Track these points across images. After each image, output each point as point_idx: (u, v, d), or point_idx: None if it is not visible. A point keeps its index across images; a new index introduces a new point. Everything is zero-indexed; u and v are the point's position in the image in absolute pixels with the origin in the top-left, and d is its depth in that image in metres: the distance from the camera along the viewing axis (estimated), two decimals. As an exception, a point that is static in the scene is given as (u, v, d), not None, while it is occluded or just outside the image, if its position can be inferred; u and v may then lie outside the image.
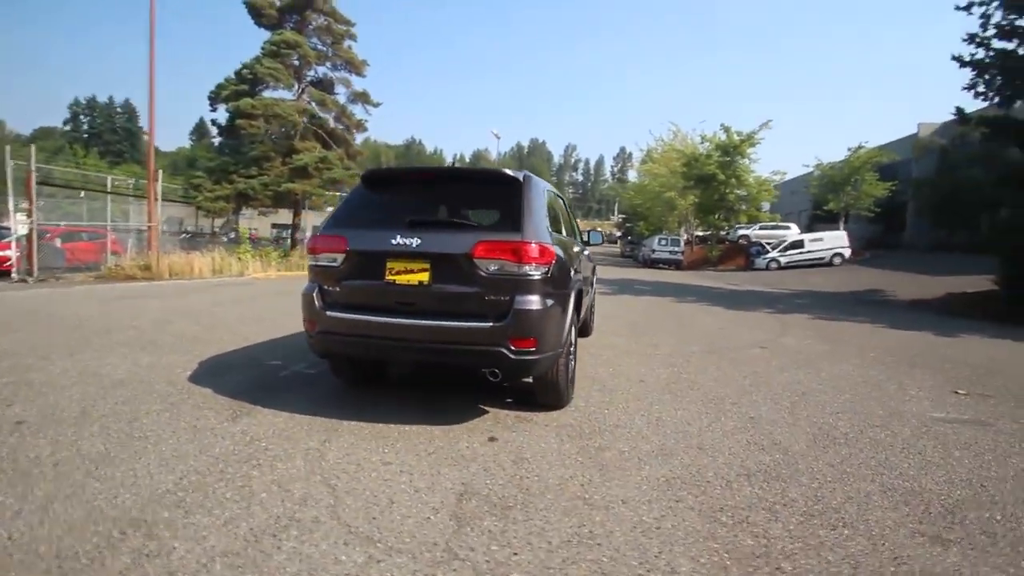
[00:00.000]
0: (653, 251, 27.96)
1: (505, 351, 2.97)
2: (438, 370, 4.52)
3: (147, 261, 12.75)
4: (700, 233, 34.18)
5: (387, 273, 3.13)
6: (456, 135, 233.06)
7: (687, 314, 9.91)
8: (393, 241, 3.09)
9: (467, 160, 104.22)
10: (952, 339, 7.94)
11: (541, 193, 3.48)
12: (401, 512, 2.25)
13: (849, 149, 30.00)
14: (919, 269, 20.49)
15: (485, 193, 3.39)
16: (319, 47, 19.28)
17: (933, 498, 2.57)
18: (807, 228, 33.38)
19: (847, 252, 25.69)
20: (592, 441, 3.14)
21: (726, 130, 27.27)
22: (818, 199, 32.56)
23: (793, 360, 5.80)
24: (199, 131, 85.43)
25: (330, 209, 22.03)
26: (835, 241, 26.15)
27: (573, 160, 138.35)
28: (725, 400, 4.11)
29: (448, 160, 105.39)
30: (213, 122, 19.64)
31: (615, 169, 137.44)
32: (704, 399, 4.11)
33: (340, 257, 3.23)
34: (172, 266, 12.78)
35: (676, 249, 27.74)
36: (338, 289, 3.26)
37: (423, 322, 3.05)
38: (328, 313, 3.22)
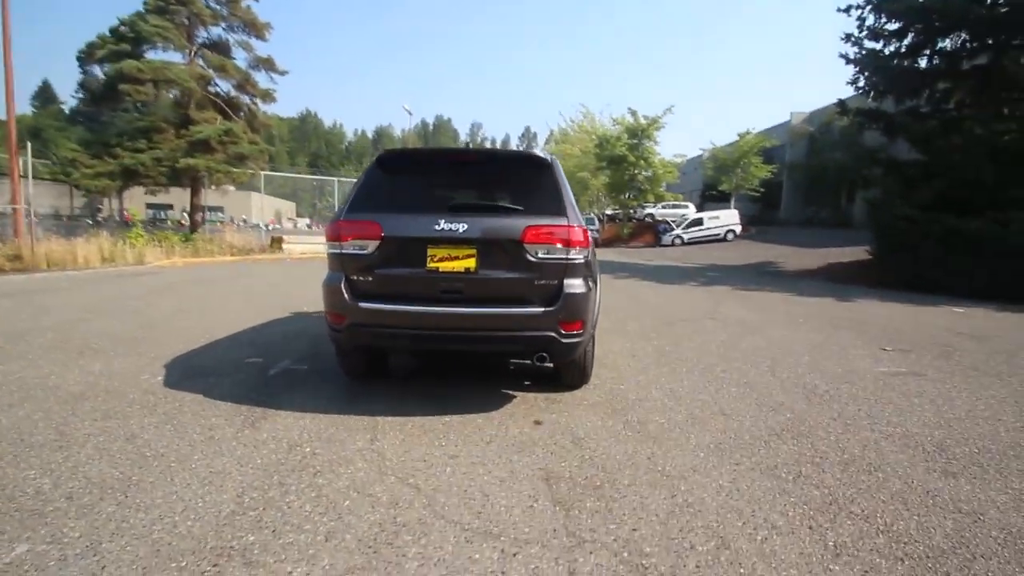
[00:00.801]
0: (571, 230, 29.02)
1: (556, 335, 2.98)
2: (442, 358, 4.41)
3: (16, 250, 10.74)
4: (609, 212, 35.94)
5: (429, 260, 2.97)
6: (356, 110, 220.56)
7: (631, 289, 10.50)
8: (436, 226, 2.93)
9: (369, 136, 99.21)
10: (852, 303, 9.25)
11: (564, 175, 3.47)
12: (502, 503, 2.21)
13: (738, 135, 33.13)
14: (797, 243, 23.28)
15: (516, 176, 3.29)
16: (213, 5, 17.07)
17: (922, 439, 3.05)
18: (699, 207, 36.48)
19: (738, 229, 28.53)
20: (628, 416, 3.28)
21: (633, 113, 28.76)
22: (711, 180, 35.71)
23: (743, 328, 6.41)
24: (43, 96, 72.37)
25: (232, 189, 19.99)
26: (729, 219, 28.89)
27: (479, 139, 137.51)
28: (715, 368, 4.47)
29: (349, 136, 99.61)
30: (82, 85, 16.73)
31: (521, 148, 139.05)
32: (697, 369, 4.44)
33: (373, 244, 3.00)
34: (50, 255, 10.89)
35: (593, 228, 28.90)
36: (371, 279, 3.03)
37: (471, 310, 2.95)
38: (361, 305, 2.99)
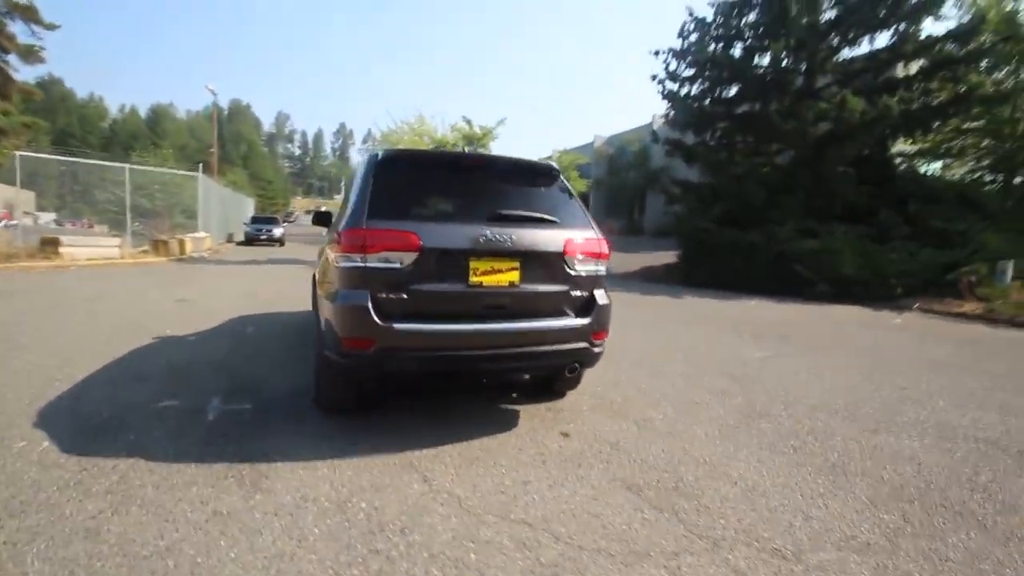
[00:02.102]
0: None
1: (588, 345, 3.03)
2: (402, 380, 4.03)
3: None
4: None
5: (472, 274, 2.73)
6: (123, 82, 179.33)
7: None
8: (482, 237, 2.72)
9: (142, 115, 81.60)
10: (684, 300, 11.14)
11: None
12: (616, 521, 2.21)
13: (555, 151, 36.64)
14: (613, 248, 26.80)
15: (529, 185, 3.19)
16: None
17: (868, 411, 3.86)
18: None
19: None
20: (631, 417, 3.51)
21: (468, 122, 29.56)
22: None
23: (652, 324, 7.30)
24: None
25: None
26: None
27: (287, 131, 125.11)
28: (644, 363, 5.00)
29: (113, 112, 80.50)
30: None
31: (336, 146, 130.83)
32: (630, 365, 4.92)
33: (409, 257, 2.63)
34: None
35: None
36: (405, 296, 2.65)
37: (517, 325, 2.81)
38: (396, 327, 2.59)
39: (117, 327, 5.49)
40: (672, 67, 16.94)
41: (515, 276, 2.83)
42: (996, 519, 2.39)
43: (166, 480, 2.36)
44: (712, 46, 16.45)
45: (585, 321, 3.00)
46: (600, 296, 3.12)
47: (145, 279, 9.93)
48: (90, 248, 12.43)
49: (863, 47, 14.13)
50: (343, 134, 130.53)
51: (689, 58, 16.52)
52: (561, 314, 2.99)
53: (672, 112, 16.55)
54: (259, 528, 2.03)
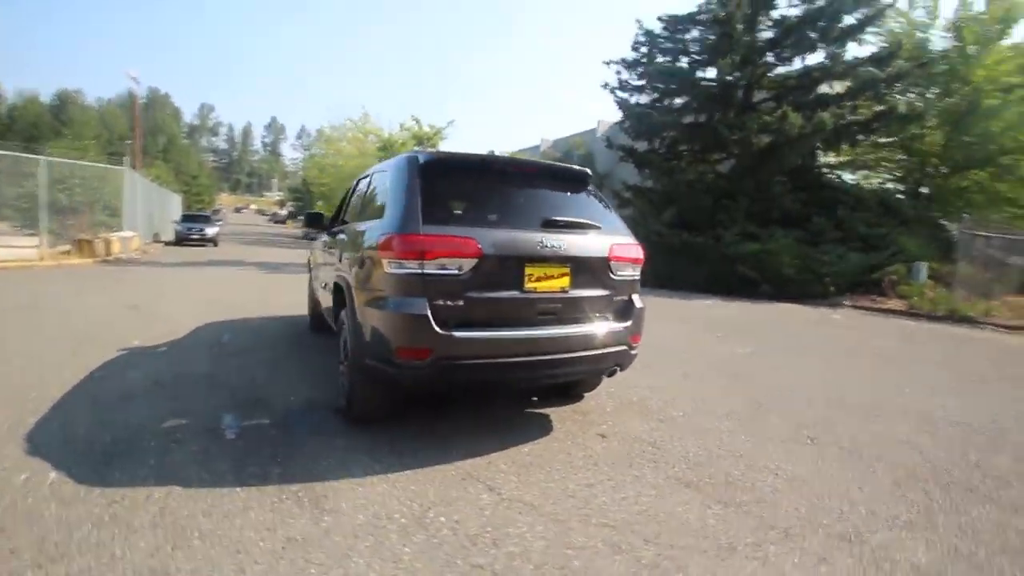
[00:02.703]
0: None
1: (628, 348, 3.10)
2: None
3: None
4: None
5: (527, 280, 2.70)
6: (21, 65, 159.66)
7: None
8: (539, 244, 2.70)
9: (43, 101, 73.14)
10: (650, 299, 11.51)
11: None
12: (691, 519, 2.28)
13: (493, 152, 36.89)
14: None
15: (568, 190, 3.19)
16: None
17: (854, 401, 4.19)
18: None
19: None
20: (668, 413, 3.65)
21: (416, 121, 29.11)
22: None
23: None
24: None
25: None
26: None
27: (212, 123, 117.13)
28: (669, 360, 5.13)
29: (10, 96, 71.55)
30: None
31: (267, 140, 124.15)
32: (662, 362, 4.97)
33: (468, 263, 2.57)
34: None
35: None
36: (462, 303, 2.58)
37: (566, 331, 2.81)
38: (456, 335, 2.52)
39: (73, 339, 4.92)
40: (624, 76, 17.58)
41: (566, 282, 2.84)
42: (999, 493, 2.69)
43: (216, 507, 2.16)
44: (660, 58, 17.22)
45: (626, 324, 3.06)
46: (637, 300, 3.20)
47: (78, 283, 8.95)
48: (1, 249, 11.03)
49: (796, 65, 15.35)
50: (275, 129, 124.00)
51: (639, 69, 17.20)
52: (604, 318, 3.03)
53: (626, 121, 17.12)
54: (345, 552, 1.90)
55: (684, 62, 16.95)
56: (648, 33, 17.28)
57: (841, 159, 16.65)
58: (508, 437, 3.05)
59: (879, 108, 13.63)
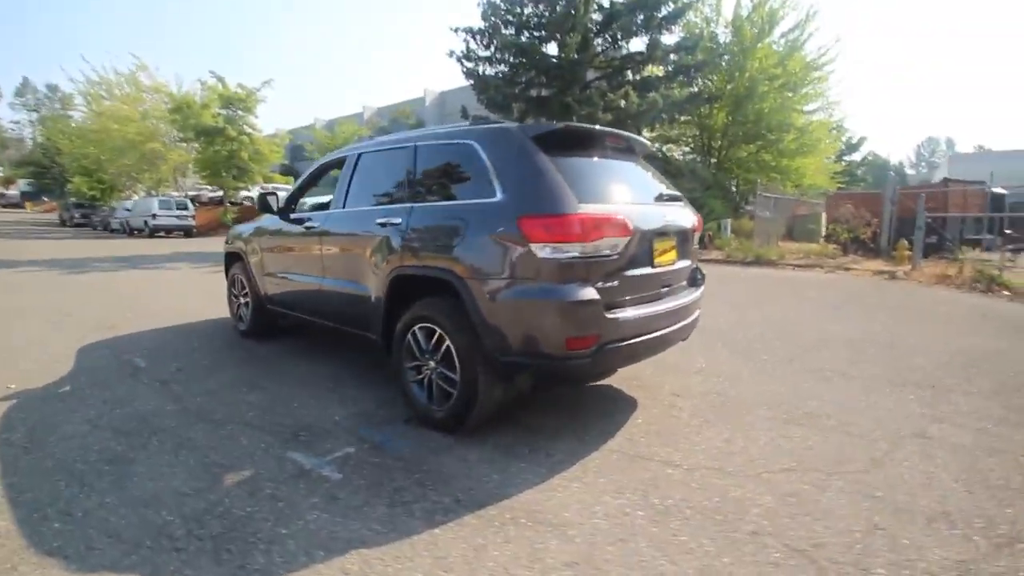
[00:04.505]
0: (155, 216, 22.59)
1: (699, 313, 3.35)
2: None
3: None
4: (210, 195, 29.99)
5: (655, 255, 2.76)
6: None
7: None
8: (664, 218, 2.80)
9: None
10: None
11: None
12: (828, 450, 2.71)
13: (316, 120, 33.71)
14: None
15: (649, 161, 3.25)
16: None
17: (855, 337, 5.21)
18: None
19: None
20: (715, 386, 3.74)
21: (220, 79, 24.61)
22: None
23: None
24: None
25: None
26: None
27: None
28: None
29: None
30: None
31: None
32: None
33: (622, 243, 2.50)
34: None
35: (185, 213, 23.49)
36: (616, 284, 2.51)
37: (681, 301, 2.95)
38: (619, 317, 2.48)
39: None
40: (472, 46, 17.47)
41: (674, 255, 2.98)
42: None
43: (420, 554, 1.83)
44: (504, 30, 17.53)
45: (702, 290, 3.33)
46: (700, 267, 3.49)
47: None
48: None
49: (623, 49, 17.22)
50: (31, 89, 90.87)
51: (486, 40, 17.28)
52: (692, 286, 3.26)
53: (479, 93, 17.16)
54: (639, 554, 1.84)
55: (524, 36, 17.57)
56: (491, 3, 17.37)
57: (653, 134, 19.47)
58: (594, 417, 3.09)
59: (691, 90, 16.22)
